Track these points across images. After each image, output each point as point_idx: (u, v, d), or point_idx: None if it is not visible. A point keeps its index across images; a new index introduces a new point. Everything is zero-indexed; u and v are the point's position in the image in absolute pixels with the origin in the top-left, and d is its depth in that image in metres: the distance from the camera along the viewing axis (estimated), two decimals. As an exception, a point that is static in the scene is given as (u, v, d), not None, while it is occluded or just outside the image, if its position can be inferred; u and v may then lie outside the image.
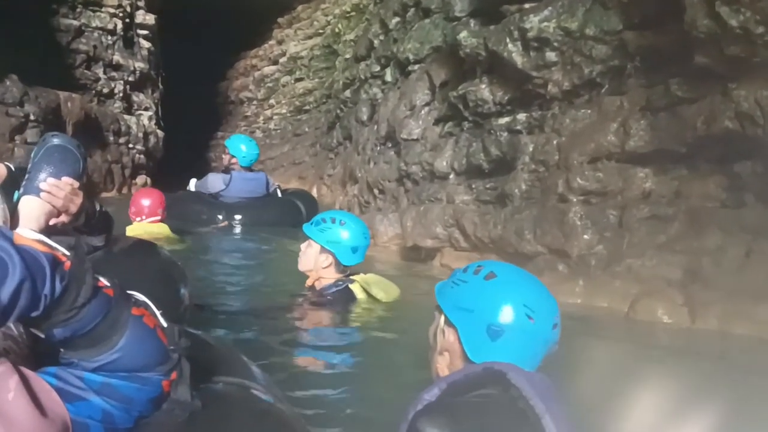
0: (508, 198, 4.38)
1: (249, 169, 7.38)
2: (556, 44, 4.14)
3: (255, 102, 19.49)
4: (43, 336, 1.03)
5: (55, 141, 1.88)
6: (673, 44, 3.61)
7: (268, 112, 18.38)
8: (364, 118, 7.68)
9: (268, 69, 18.69)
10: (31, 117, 7.72)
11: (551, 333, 1.61)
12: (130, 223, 5.49)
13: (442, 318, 1.69)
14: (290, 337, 3.20)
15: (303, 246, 3.58)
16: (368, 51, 7.66)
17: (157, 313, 1.20)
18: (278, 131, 17.57)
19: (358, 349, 3.13)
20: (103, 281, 1.09)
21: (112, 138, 10.23)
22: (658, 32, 3.75)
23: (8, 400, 0.96)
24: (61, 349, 1.07)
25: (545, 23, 4.14)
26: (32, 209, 1.77)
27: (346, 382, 2.69)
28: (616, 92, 4.01)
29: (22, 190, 1.82)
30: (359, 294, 3.46)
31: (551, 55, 4.18)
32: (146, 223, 5.54)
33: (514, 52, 4.29)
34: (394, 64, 6.71)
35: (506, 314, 1.57)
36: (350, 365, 2.94)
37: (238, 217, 6.91)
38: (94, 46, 10.21)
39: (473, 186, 4.79)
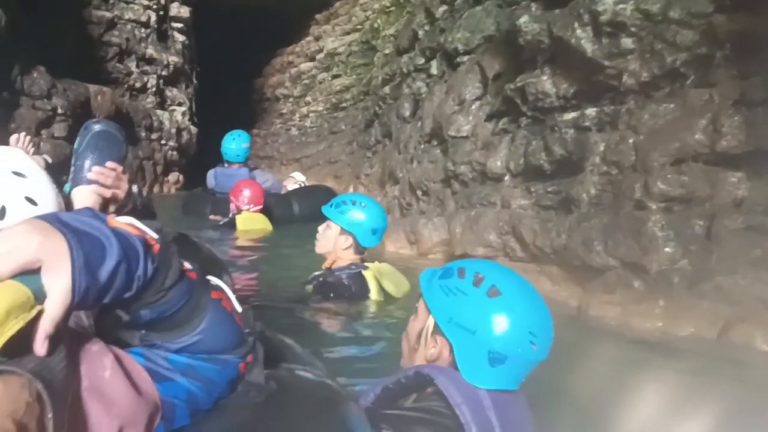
0: (573, 203, 3.87)
1: (244, 164, 7.55)
2: (633, 29, 3.62)
3: (291, 99, 19.16)
4: (128, 318, 1.02)
5: (97, 127, 1.93)
6: (773, 28, 3.11)
7: (304, 110, 18.04)
8: (406, 114, 7.20)
9: (305, 65, 18.35)
10: (59, 110, 7.40)
11: (546, 354, 1.56)
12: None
13: (432, 323, 1.59)
14: (304, 323, 3.22)
15: (321, 228, 3.65)
16: (411, 43, 7.17)
17: (232, 297, 1.20)
18: (314, 129, 17.22)
19: (371, 336, 3.16)
20: (186, 265, 1.09)
21: (144, 133, 9.93)
22: (754, 15, 3.23)
23: (105, 378, 0.97)
24: (143, 331, 1.06)
25: (621, 5, 3.63)
26: (85, 199, 1.81)
27: (359, 370, 2.70)
28: (703, 84, 3.48)
29: (71, 181, 1.86)
30: (371, 282, 3.50)
31: (627, 42, 3.66)
32: (253, 211, 6.37)
33: (584, 39, 3.78)
34: (441, 55, 6.22)
35: (512, 343, 1.49)
36: (362, 351, 2.97)
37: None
38: (127, 39, 9.93)
39: (532, 189, 4.28)
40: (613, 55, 3.70)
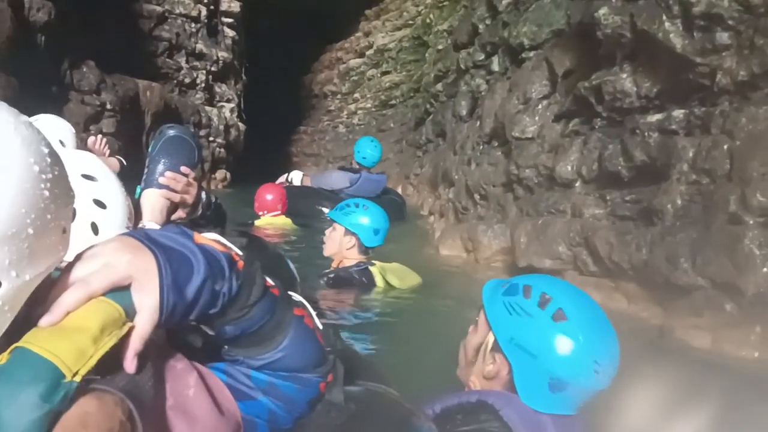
0: (656, 215, 3.50)
1: (369, 170, 7.68)
2: (731, 22, 3.23)
3: (339, 96, 18.96)
4: (212, 333, 1.03)
5: (171, 132, 1.98)
6: None
7: (352, 107, 17.82)
8: (463, 112, 6.87)
9: (354, 62, 18.13)
10: (108, 106, 7.26)
11: (608, 382, 1.51)
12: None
13: (492, 339, 1.55)
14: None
15: (327, 231, 3.98)
16: (470, 37, 6.82)
17: (314, 314, 1.19)
18: (362, 126, 16.97)
19: (378, 327, 3.39)
20: (270, 281, 1.09)
21: (192, 130, 9.77)
22: None
23: (189, 396, 0.96)
24: (226, 347, 1.06)
25: (717, -4, 3.25)
26: (154, 202, 1.86)
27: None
28: (810, 85, 3.09)
29: (143, 183, 1.91)
30: (377, 276, 3.77)
31: (723, 37, 3.26)
32: (269, 216, 6.48)
33: (673, 33, 3.41)
34: (503, 51, 5.87)
35: (575, 371, 1.45)
36: (370, 341, 3.15)
37: None
38: (177, 34, 9.80)
39: (607, 197, 3.92)
40: (707, 51, 3.31)
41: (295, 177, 7.61)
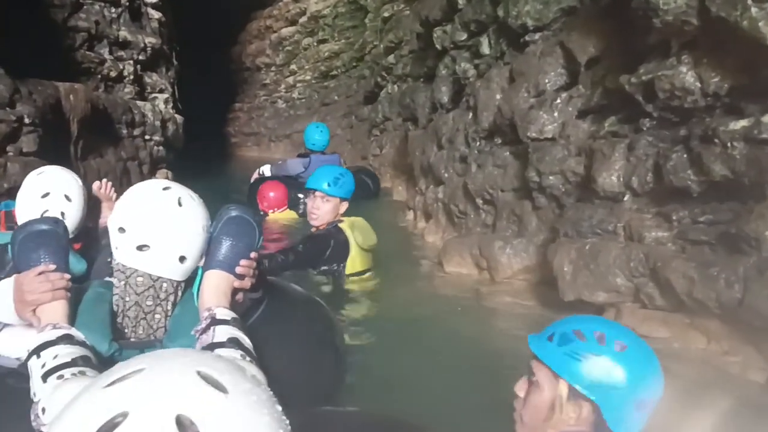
0: (747, 242, 2.88)
1: (322, 152, 7.96)
2: (841, 5, 2.59)
3: (274, 68, 17.82)
4: None
5: (234, 213, 2.00)
6: None
7: (290, 80, 16.75)
8: (444, 99, 6.11)
9: (286, 30, 16.98)
10: (26, 120, 6.12)
11: None
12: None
13: (565, 391, 1.61)
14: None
15: (314, 203, 4.28)
16: (446, 14, 6.01)
17: None
18: (303, 100, 15.98)
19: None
20: None
21: (125, 131, 8.66)
22: None
23: None
24: None
25: (820, -29, 2.59)
26: (219, 284, 1.88)
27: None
28: None
29: (204, 264, 1.94)
30: (347, 232, 4.19)
31: (830, 23, 2.63)
32: (278, 213, 6.79)
33: (762, 21, 2.74)
34: (496, 31, 5.10)
35: (653, 387, 1.60)
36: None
37: None
38: (96, 22, 8.60)
39: (673, 217, 3.28)
40: (808, 42, 2.67)
41: (266, 170, 7.88)
